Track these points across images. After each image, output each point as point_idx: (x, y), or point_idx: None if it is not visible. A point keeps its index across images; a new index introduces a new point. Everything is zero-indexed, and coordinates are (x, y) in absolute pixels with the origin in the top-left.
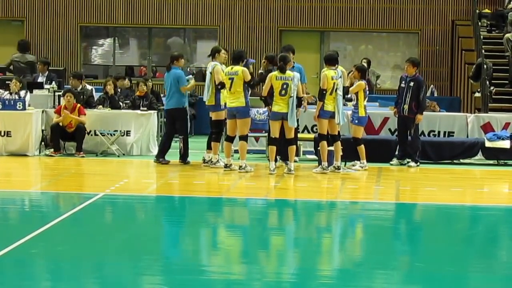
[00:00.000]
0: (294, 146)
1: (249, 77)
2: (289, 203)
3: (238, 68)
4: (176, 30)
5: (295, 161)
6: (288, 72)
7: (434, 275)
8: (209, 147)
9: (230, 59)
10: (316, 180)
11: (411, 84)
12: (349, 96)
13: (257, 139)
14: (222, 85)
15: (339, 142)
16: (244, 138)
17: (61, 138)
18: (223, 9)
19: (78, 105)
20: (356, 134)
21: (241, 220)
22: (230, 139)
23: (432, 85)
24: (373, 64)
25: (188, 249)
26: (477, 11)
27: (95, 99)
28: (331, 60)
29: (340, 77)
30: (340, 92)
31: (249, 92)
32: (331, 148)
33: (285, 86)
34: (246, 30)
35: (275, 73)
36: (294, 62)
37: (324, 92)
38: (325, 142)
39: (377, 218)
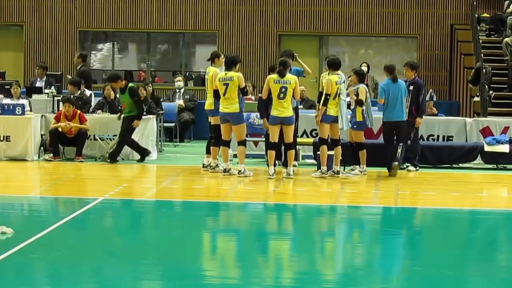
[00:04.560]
0: (293, 151)
1: (243, 84)
2: (288, 207)
3: (233, 74)
4: (175, 35)
5: (294, 166)
6: (288, 76)
7: (433, 279)
8: (208, 152)
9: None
10: (315, 184)
11: (411, 87)
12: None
13: (256, 143)
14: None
15: (339, 147)
16: (242, 143)
17: (61, 143)
18: (222, 14)
19: (78, 111)
20: (358, 138)
21: (240, 225)
22: (226, 144)
23: (431, 89)
24: (372, 69)
25: (187, 254)
26: (476, 15)
27: (94, 103)
28: (335, 65)
29: (344, 82)
30: (343, 97)
31: (243, 97)
32: (331, 152)
33: (283, 90)
34: (245, 34)
35: (274, 76)
36: (291, 68)
37: (328, 97)
38: (325, 147)
39: (376, 223)
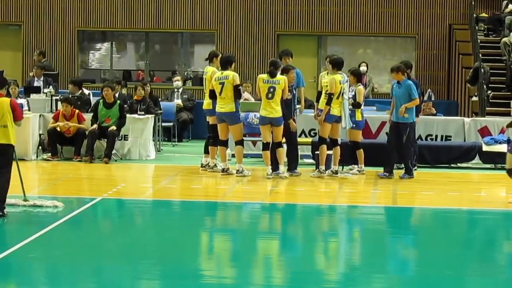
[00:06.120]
0: (282, 149)
1: (238, 81)
2: (287, 207)
3: (229, 73)
4: (174, 34)
5: (295, 168)
6: (277, 76)
7: (431, 278)
8: (206, 152)
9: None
10: (313, 184)
11: None
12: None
13: (254, 143)
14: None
15: (338, 147)
16: (239, 142)
17: (59, 143)
18: (220, 13)
19: (77, 111)
20: (355, 138)
21: (239, 225)
22: (224, 143)
23: (429, 89)
24: (370, 69)
25: (186, 254)
26: (474, 15)
27: (92, 104)
28: (339, 64)
29: (346, 81)
30: (346, 96)
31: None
32: (330, 152)
33: (272, 90)
34: (244, 34)
35: (263, 76)
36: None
37: (332, 96)
38: (325, 146)
39: (374, 222)
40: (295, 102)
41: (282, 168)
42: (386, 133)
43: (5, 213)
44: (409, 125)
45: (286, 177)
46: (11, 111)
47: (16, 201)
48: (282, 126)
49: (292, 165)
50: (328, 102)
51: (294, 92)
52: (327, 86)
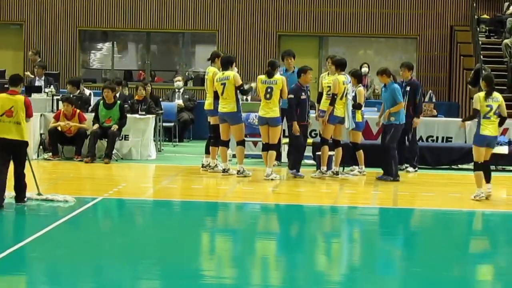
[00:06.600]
0: (274, 152)
1: (239, 82)
2: (287, 208)
3: (229, 73)
4: (175, 34)
5: (274, 165)
6: (275, 76)
7: (431, 280)
8: (207, 152)
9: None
10: (314, 185)
11: (407, 88)
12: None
13: (255, 143)
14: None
15: (340, 148)
16: (240, 143)
17: (60, 142)
18: (222, 14)
19: (78, 111)
20: (355, 139)
21: (239, 225)
22: (225, 144)
23: (430, 91)
24: (371, 70)
25: (186, 254)
26: (475, 16)
27: (93, 103)
28: (342, 65)
29: (350, 82)
30: (350, 97)
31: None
32: (332, 153)
33: (269, 90)
34: (245, 34)
35: (262, 77)
36: (294, 67)
37: (335, 97)
38: (327, 147)
39: (375, 223)
40: (309, 103)
41: (269, 170)
42: None
43: (25, 201)
44: (394, 126)
45: (273, 179)
46: (24, 109)
47: (30, 195)
48: (278, 127)
49: (296, 167)
50: (332, 103)
51: (309, 94)
52: (328, 87)
